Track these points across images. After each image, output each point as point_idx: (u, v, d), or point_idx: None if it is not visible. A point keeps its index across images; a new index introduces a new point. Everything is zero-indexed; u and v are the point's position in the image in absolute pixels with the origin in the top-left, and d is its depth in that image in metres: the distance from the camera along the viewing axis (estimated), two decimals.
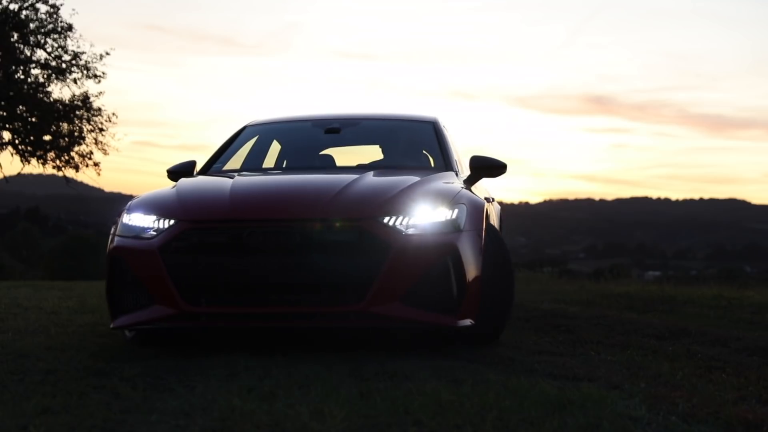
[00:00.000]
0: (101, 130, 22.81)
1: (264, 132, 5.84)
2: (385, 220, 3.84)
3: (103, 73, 22.90)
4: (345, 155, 5.74)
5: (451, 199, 4.04)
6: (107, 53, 22.93)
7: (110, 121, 22.97)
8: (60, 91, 26.90)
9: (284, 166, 5.63)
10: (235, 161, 5.48)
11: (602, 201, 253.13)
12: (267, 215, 3.90)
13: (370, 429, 2.46)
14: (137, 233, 4.02)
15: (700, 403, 2.91)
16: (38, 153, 22.48)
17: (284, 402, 2.76)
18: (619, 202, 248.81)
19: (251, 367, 3.44)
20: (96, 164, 22.94)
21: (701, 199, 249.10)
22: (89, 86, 28.49)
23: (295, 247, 3.79)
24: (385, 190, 4.10)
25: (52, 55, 22.58)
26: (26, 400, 2.79)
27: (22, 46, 22.35)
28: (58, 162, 22.72)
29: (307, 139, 5.81)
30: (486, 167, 4.91)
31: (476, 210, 4.09)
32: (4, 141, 22.34)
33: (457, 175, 4.86)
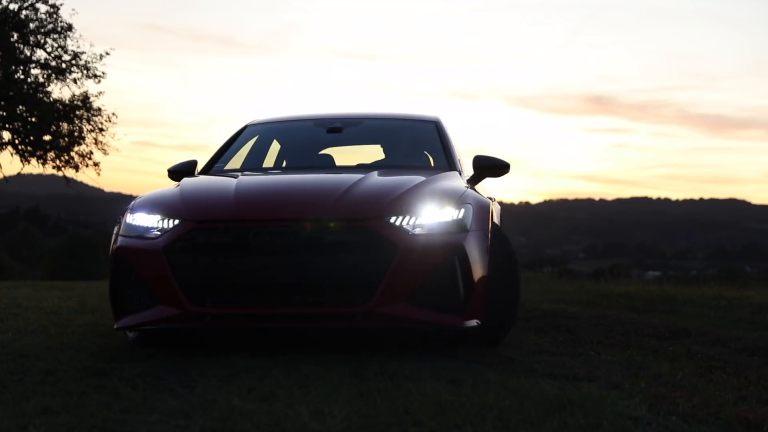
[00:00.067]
0: (101, 130, 22.83)
1: (264, 131, 5.83)
2: (392, 219, 3.82)
3: (103, 73, 22.93)
4: (344, 155, 5.72)
5: (458, 198, 4.02)
6: (107, 53, 22.97)
7: (110, 121, 23.01)
8: (60, 91, 26.98)
9: (284, 165, 5.62)
10: (236, 161, 5.47)
11: (602, 201, 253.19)
12: (273, 215, 3.88)
13: (370, 429, 2.46)
14: (141, 233, 4.00)
15: (700, 403, 2.91)
16: (38, 153, 22.49)
17: (284, 402, 2.75)
18: (619, 202, 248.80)
19: (251, 367, 3.44)
20: (96, 164, 22.97)
21: (701, 199, 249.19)
22: (89, 86, 28.51)
23: (301, 247, 3.76)
24: (391, 189, 4.08)
25: (52, 55, 22.60)
26: (26, 400, 2.78)
27: (22, 46, 22.35)
28: (58, 162, 22.73)
29: (308, 139, 5.80)
30: (489, 167, 4.89)
31: (482, 210, 4.08)
32: (4, 141, 22.35)
33: (460, 174, 4.84)
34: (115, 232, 4.21)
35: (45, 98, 22.37)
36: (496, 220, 5.40)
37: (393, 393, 2.90)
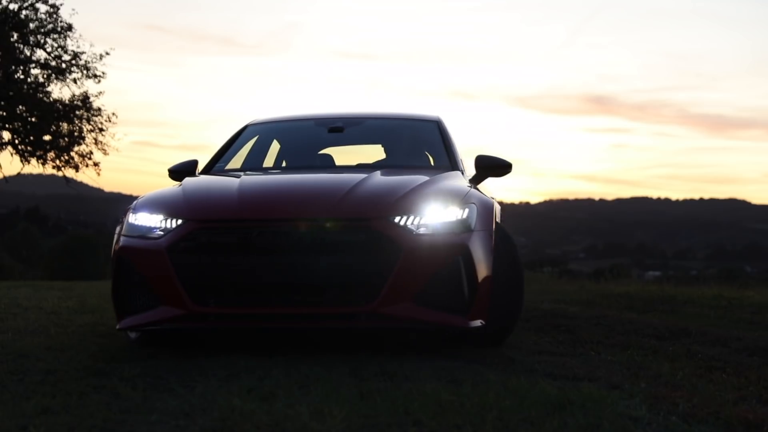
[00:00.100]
0: (101, 130, 22.85)
1: (265, 131, 5.82)
2: (396, 219, 3.81)
3: (103, 73, 22.95)
4: (344, 155, 5.72)
5: (462, 198, 4.00)
6: (107, 53, 22.99)
7: (110, 121, 23.02)
8: (60, 91, 26.95)
9: (284, 165, 5.61)
10: (237, 161, 5.47)
11: (602, 201, 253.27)
12: (276, 215, 3.86)
13: (370, 429, 2.46)
14: (144, 233, 3.98)
15: (700, 403, 2.90)
16: (38, 153, 22.50)
17: (284, 402, 2.75)
18: (619, 202, 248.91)
19: (251, 367, 3.43)
20: (96, 164, 22.98)
21: (701, 199, 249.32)
22: (89, 86, 28.49)
23: (305, 247, 3.74)
24: (395, 189, 4.06)
25: (52, 55, 22.60)
26: (26, 400, 2.78)
27: (21, 46, 22.36)
28: (57, 162, 22.74)
29: (309, 139, 5.79)
30: (492, 167, 4.88)
31: (486, 210, 4.07)
32: (3, 141, 22.35)
33: (462, 174, 4.83)
34: (117, 232, 4.19)
35: (45, 98, 22.38)
36: (499, 220, 5.40)
37: (393, 393, 2.90)
